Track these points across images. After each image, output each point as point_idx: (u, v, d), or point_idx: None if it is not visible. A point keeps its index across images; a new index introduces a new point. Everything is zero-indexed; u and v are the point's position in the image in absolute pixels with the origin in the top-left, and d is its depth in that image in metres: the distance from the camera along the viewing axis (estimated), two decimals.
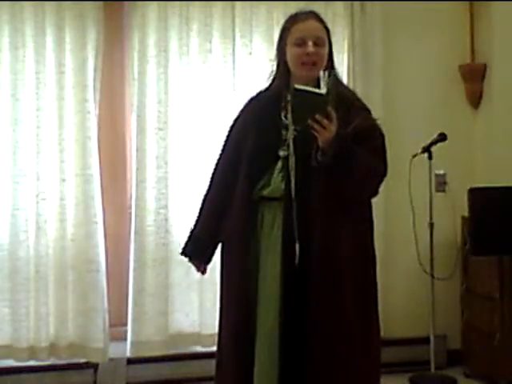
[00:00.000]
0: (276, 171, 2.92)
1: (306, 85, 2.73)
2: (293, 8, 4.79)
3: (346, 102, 2.87)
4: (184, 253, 3.22)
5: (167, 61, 4.72)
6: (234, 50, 4.80)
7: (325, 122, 2.66)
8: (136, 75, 4.70)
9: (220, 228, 3.07)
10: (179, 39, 4.75)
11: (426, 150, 4.64)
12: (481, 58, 5.13)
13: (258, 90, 3.16)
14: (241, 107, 3.19)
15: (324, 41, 2.94)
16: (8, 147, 4.57)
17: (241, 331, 2.93)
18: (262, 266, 2.91)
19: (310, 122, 2.67)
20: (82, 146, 4.61)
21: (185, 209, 4.73)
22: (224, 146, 3.17)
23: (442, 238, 4.87)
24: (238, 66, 4.80)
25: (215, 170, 3.18)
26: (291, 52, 2.94)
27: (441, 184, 5.05)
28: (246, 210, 2.95)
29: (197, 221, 3.17)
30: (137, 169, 4.69)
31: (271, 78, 3.08)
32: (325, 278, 2.82)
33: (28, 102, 4.58)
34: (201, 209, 3.17)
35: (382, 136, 2.96)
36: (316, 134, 2.69)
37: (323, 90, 2.66)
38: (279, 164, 2.92)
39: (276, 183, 2.91)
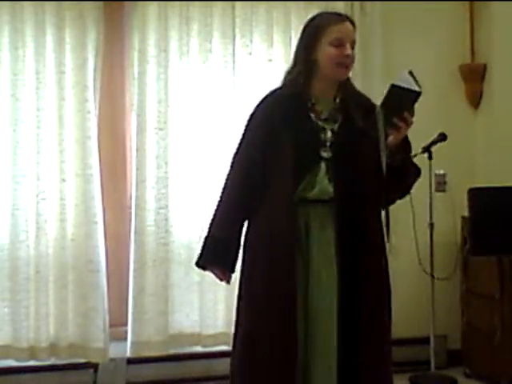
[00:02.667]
0: (321, 173, 2.84)
1: (331, 86, 2.91)
2: (292, 8, 4.86)
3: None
4: (203, 261, 2.98)
5: (167, 61, 4.72)
6: (234, 50, 4.80)
7: (410, 120, 2.77)
8: (136, 75, 4.70)
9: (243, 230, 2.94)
10: (179, 39, 4.75)
11: (426, 149, 4.64)
12: (481, 58, 5.13)
13: (274, 88, 3.02)
14: (260, 106, 2.99)
15: (355, 45, 3.00)
16: (8, 147, 4.56)
17: (293, 347, 2.77)
18: (314, 271, 2.80)
19: (395, 120, 2.73)
20: (82, 146, 4.61)
21: (185, 209, 4.74)
22: (245, 145, 2.97)
23: (441, 238, 4.87)
24: (238, 66, 4.80)
25: (234, 169, 2.98)
26: (327, 51, 2.88)
27: (441, 184, 5.05)
28: (292, 210, 2.81)
29: (217, 223, 2.96)
30: (137, 169, 4.69)
31: (289, 74, 2.98)
32: (373, 288, 2.86)
33: (28, 102, 4.57)
34: (220, 211, 2.96)
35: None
36: (394, 132, 2.76)
37: (418, 88, 2.70)
38: (323, 166, 2.85)
39: (323, 185, 2.84)
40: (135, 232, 4.68)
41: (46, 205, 4.58)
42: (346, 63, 2.92)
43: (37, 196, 4.56)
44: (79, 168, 4.61)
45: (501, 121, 4.94)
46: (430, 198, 4.68)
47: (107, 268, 4.66)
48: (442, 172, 5.01)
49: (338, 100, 2.94)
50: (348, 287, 2.80)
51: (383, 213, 2.96)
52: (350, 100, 2.95)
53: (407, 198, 4.70)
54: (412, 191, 4.49)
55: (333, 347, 2.76)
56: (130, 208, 4.74)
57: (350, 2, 4.93)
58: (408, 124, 2.78)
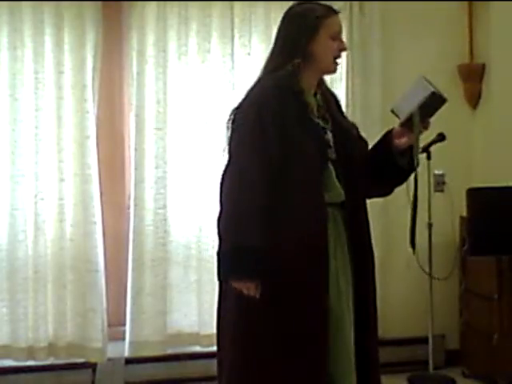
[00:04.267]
0: (333, 175, 2.76)
1: (318, 81, 2.85)
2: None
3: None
4: (237, 274, 2.63)
5: (166, 61, 4.72)
6: (232, 50, 4.80)
7: (429, 125, 2.82)
8: (135, 75, 4.70)
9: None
10: (178, 39, 4.75)
11: (425, 150, 4.64)
12: (479, 58, 5.14)
13: (272, 81, 2.77)
14: (260, 100, 2.73)
15: None
16: (7, 147, 4.56)
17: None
18: (333, 276, 2.73)
19: (416, 123, 2.77)
20: (81, 146, 4.61)
21: (184, 209, 4.74)
22: (261, 141, 2.66)
23: (440, 237, 4.87)
24: (237, 66, 4.80)
25: (251, 168, 2.64)
26: (327, 44, 2.79)
27: (439, 184, 5.05)
28: (325, 212, 2.71)
29: (247, 231, 2.60)
30: (135, 168, 4.69)
31: (283, 65, 2.78)
32: (374, 290, 2.92)
33: (27, 102, 4.57)
34: (248, 216, 2.60)
35: None
36: (417, 134, 2.78)
37: (443, 95, 2.80)
38: (331, 167, 2.77)
39: (337, 188, 2.77)
40: (134, 232, 4.68)
41: (45, 205, 4.57)
42: (340, 57, 2.85)
43: (35, 196, 4.56)
44: (78, 168, 4.61)
45: (499, 121, 4.94)
46: (429, 198, 4.68)
47: (106, 268, 4.66)
48: (440, 172, 5.02)
49: (318, 96, 2.87)
50: (361, 293, 2.81)
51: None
52: (327, 97, 2.90)
53: (406, 197, 4.71)
54: (410, 190, 4.48)
55: (350, 348, 2.76)
56: (129, 208, 4.74)
57: (348, 2, 4.94)
58: (428, 128, 2.83)
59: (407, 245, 4.65)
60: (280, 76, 2.75)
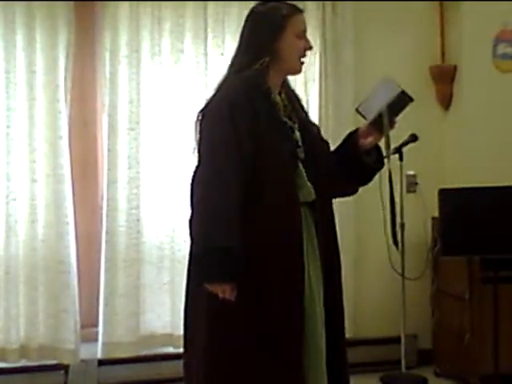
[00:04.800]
0: (303, 174, 2.73)
1: (280, 81, 2.82)
2: None
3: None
4: (213, 277, 2.57)
5: (139, 61, 4.71)
6: (206, 50, 4.79)
7: (395, 125, 2.84)
8: (108, 75, 4.68)
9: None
10: (151, 39, 4.74)
11: (397, 150, 4.66)
12: (451, 60, 5.17)
13: (241, 79, 2.72)
14: (230, 98, 2.66)
15: None
16: None
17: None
18: (307, 280, 2.70)
19: (386, 122, 2.81)
20: (53, 146, 4.58)
21: (157, 209, 4.72)
22: (233, 139, 2.60)
23: (412, 238, 4.89)
24: (211, 67, 4.80)
25: (223, 166, 2.58)
26: (293, 43, 2.75)
27: (411, 184, 5.08)
28: (299, 211, 2.70)
29: (222, 231, 2.54)
30: (108, 169, 4.67)
31: (249, 64, 2.73)
32: (341, 289, 2.89)
33: None
34: (221, 216, 2.55)
35: None
36: (386, 133, 2.80)
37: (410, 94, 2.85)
38: (301, 167, 2.74)
39: (308, 187, 2.74)
40: (106, 232, 4.66)
41: (17, 205, 4.54)
42: (306, 56, 2.82)
43: (7, 196, 4.52)
44: (50, 168, 4.58)
45: (471, 122, 4.98)
46: (401, 199, 4.70)
47: (78, 269, 4.64)
48: (412, 173, 5.05)
49: (283, 95, 2.83)
50: (330, 293, 2.79)
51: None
52: (291, 96, 2.88)
53: (378, 198, 4.73)
54: (383, 192, 4.50)
55: (323, 348, 2.74)
56: (102, 208, 4.72)
57: (321, 3, 4.95)
58: (394, 127, 2.86)
59: (385, 244, 4.70)
60: (248, 75, 2.71)
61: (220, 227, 2.54)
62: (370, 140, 2.84)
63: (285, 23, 2.74)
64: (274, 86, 2.79)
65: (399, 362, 4.74)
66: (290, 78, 4.77)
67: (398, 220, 4.70)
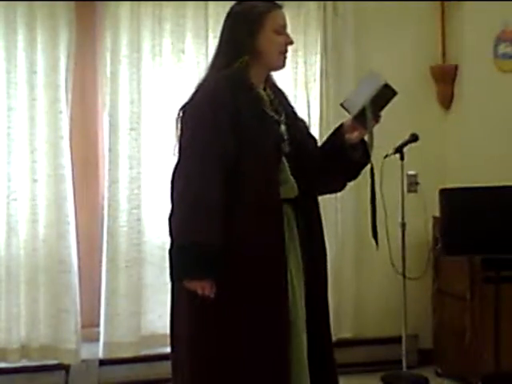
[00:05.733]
0: (287, 169, 2.72)
1: (264, 77, 2.81)
2: None
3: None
4: (190, 273, 2.58)
5: (140, 61, 4.71)
6: (206, 50, 4.79)
7: (380, 119, 2.80)
8: (108, 75, 4.68)
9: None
10: (152, 39, 4.74)
11: (398, 150, 4.67)
12: (452, 60, 5.17)
13: (223, 76, 2.73)
14: (213, 94, 2.68)
15: None
16: None
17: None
18: (289, 278, 2.69)
19: (369, 116, 2.76)
20: (54, 146, 4.58)
21: (158, 209, 4.72)
22: (214, 134, 2.60)
23: (413, 238, 4.89)
24: None
25: (204, 161, 2.58)
26: (272, 39, 2.76)
27: (412, 184, 5.08)
28: (281, 209, 2.68)
29: (203, 228, 2.54)
30: (109, 169, 4.67)
31: (229, 62, 2.75)
32: (326, 287, 2.87)
33: None
34: (202, 211, 2.54)
35: None
36: (370, 127, 2.76)
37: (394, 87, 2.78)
38: (285, 161, 2.73)
39: (292, 183, 2.73)
40: (107, 233, 4.66)
41: (17, 205, 4.54)
42: (287, 51, 2.82)
43: (8, 197, 4.52)
44: (51, 168, 4.59)
45: (471, 122, 4.98)
46: (402, 199, 4.71)
47: (79, 269, 4.64)
48: (413, 172, 5.04)
49: (268, 91, 2.83)
50: (313, 291, 2.78)
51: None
52: (277, 92, 2.88)
53: (379, 198, 4.73)
54: (384, 192, 4.51)
55: (305, 350, 2.72)
56: (103, 208, 4.72)
57: (322, 3, 4.95)
58: (379, 122, 2.82)
59: (386, 243, 4.70)
60: (230, 72, 2.72)
61: (200, 223, 2.53)
62: (355, 135, 2.80)
63: (262, 20, 2.75)
64: (258, 82, 2.80)
65: (400, 361, 4.74)
66: (290, 78, 4.81)
67: (399, 220, 4.72)
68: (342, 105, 2.85)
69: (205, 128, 2.62)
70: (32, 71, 4.58)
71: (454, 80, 5.16)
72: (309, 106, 4.93)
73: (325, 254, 2.86)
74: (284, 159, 2.73)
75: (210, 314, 2.64)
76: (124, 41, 4.69)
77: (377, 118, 2.80)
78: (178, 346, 2.80)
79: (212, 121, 2.62)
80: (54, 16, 4.59)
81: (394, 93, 2.78)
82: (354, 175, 2.92)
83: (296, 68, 4.94)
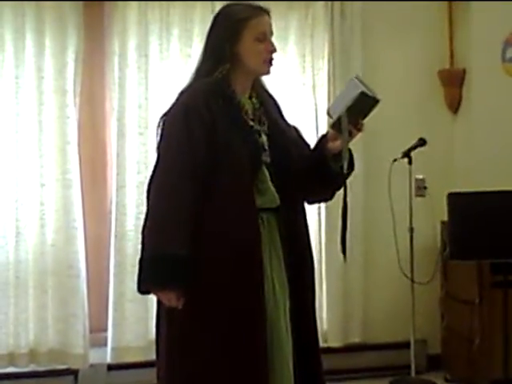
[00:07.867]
0: (267, 179, 2.69)
1: (249, 84, 2.76)
2: (273, 11, 4.85)
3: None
4: (157, 283, 2.60)
5: (148, 65, 4.72)
6: None
7: (363, 127, 2.69)
8: (116, 80, 4.69)
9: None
10: (160, 44, 4.75)
11: (406, 154, 4.66)
12: (460, 63, 5.16)
13: (203, 85, 2.71)
14: (189, 103, 2.68)
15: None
16: None
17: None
18: (269, 280, 2.66)
19: (344, 126, 2.63)
20: (62, 151, 4.59)
21: None
22: (186, 144, 2.60)
23: (421, 242, 4.88)
24: None
25: (175, 172, 2.58)
26: (252, 47, 2.69)
27: (420, 189, 5.06)
28: (256, 219, 2.63)
29: (173, 238, 2.53)
30: (117, 174, 4.68)
31: (210, 69, 2.71)
32: (313, 293, 2.84)
33: (7, 107, 4.55)
34: (172, 222, 2.54)
35: None
36: (345, 138, 2.64)
37: (377, 96, 2.67)
38: (266, 171, 2.69)
39: (272, 192, 2.70)
40: (115, 237, 4.66)
41: (25, 210, 4.55)
42: (272, 58, 2.73)
43: (16, 201, 4.53)
44: (59, 173, 4.59)
45: (480, 126, 4.97)
46: (410, 203, 4.70)
47: (87, 273, 4.64)
48: (421, 177, 5.03)
49: (254, 99, 2.79)
50: (299, 300, 2.74)
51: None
52: (265, 99, 2.83)
53: (387, 202, 4.72)
54: (392, 196, 4.49)
55: (289, 355, 2.68)
56: (110, 213, 4.72)
57: (330, 2, 4.94)
58: (362, 130, 2.71)
59: (394, 248, 4.67)
60: (210, 81, 2.69)
61: (166, 233, 2.53)
62: (336, 144, 2.70)
63: (241, 28, 2.69)
64: (243, 89, 2.76)
65: (408, 366, 4.72)
66: (299, 83, 4.80)
67: (407, 224, 4.70)
68: (327, 112, 2.78)
69: (177, 138, 2.62)
70: (40, 76, 4.59)
71: (461, 84, 5.15)
72: (316, 110, 4.92)
73: (311, 263, 2.82)
74: (265, 169, 2.69)
75: (185, 323, 2.62)
76: (132, 45, 4.70)
77: (358, 127, 2.69)
78: (160, 354, 2.77)
79: (185, 131, 2.61)
80: (62, 21, 4.61)
81: (375, 100, 2.65)
82: (337, 185, 2.79)
83: (304, 72, 4.93)
